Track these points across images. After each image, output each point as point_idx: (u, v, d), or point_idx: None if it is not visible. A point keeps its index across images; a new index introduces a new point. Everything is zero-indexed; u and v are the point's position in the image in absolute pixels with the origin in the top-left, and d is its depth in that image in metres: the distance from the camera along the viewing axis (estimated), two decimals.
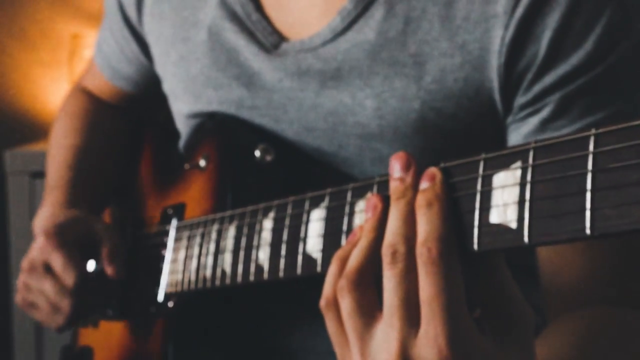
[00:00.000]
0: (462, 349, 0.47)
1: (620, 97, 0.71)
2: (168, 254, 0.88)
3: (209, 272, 0.77)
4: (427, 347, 0.47)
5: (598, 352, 0.65)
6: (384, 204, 0.53)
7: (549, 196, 0.44)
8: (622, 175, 0.40)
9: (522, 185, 0.46)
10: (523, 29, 0.71)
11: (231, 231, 0.74)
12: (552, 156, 0.44)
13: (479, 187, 0.49)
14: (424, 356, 0.47)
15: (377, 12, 0.78)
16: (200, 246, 0.80)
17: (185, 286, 0.82)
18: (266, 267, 0.67)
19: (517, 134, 0.75)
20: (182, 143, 0.99)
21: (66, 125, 1.12)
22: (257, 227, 0.70)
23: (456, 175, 0.50)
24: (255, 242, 0.69)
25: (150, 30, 0.98)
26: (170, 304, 0.87)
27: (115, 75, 1.10)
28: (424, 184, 0.50)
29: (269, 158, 0.84)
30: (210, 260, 0.77)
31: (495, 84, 0.74)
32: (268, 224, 0.68)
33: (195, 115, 0.93)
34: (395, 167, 0.52)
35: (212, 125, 0.90)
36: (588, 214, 0.42)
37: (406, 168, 0.52)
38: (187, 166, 0.92)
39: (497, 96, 0.74)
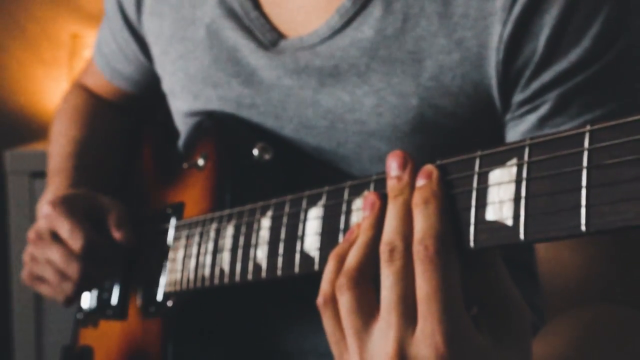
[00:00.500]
0: (459, 347, 0.47)
1: (619, 94, 0.71)
2: (167, 253, 0.88)
3: (207, 271, 0.77)
4: (424, 345, 0.47)
5: (597, 351, 0.65)
6: (382, 201, 0.53)
7: (544, 193, 0.44)
8: (618, 172, 0.40)
9: (518, 182, 0.46)
10: (521, 26, 0.71)
11: (229, 230, 0.74)
12: (547, 153, 0.44)
13: (475, 184, 0.49)
14: (421, 354, 0.47)
15: (375, 10, 0.78)
16: (199, 245, 0.80)
17: (184, 285, 0.82)
18: (264, 265, 0.67)
19: (515, 131, 0.75)
20: (181, 142, 0.99)
21: (67, 119, 1.12)
22: (255, 225, 0.70)
23: (452, 173, 0.50)
24: (253, 241, 0.69)
25: (150, 30, 0.98)
26: (169, 303, 0.87)
27: (114, 74, 1.10)
28: (420, 182, 0.51)
29: (267, 157, 0.84)
30: (208, 259, 0.77)
31: (493, 81, 0.73)
32: (266, 222, 0.68)
33: (194, 114, 0.93)
34: (392, 166, 0.52)
35: (211, 124, 0.90)
36: (583, 210, 0.42)
37: (403, 166, 0.52)
38: (185, 165, 0.92)
39: (495, 93, 0.74)
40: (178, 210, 0.91)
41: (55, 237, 0.90)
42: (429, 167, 0.51)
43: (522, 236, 0.45)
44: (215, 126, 0.89)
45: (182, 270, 0.83)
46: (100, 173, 1.07)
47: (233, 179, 0.85)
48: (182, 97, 0.94)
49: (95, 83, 1.15)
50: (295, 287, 0.86)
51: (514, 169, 0.47)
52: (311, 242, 0.62)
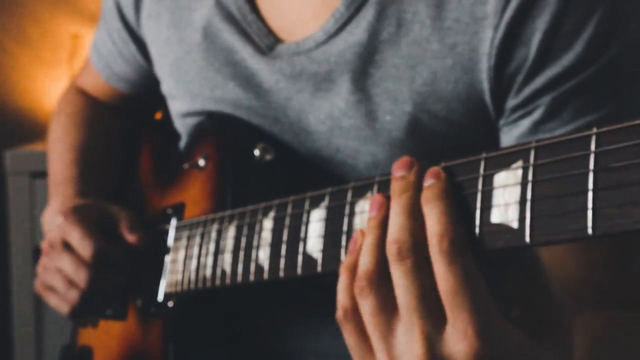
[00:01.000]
0: (492, 341, 0.46)
1: (613, 99, 0.71)
2: (168, 254, 0.88)
3: (208, 272, 0.77)
4: (456, 341, 0.46)
5: (601, 354, 0.65)
6: (388, 202, 0.53)
7: (550, 196, 0.44)
8: (624, 175, 0.40)
9: (524, 184, 0.46)
10: (513, 31, 0.71)
11: (231, 231, 0.74)
12: (553, 155, 0.44)
13: (480, 186, 0.49)
14: (454, 351, 0.46)
15: (368, 13, 0.77)
16: (200, 246, 0.80)
17: (185, 286, 0.82)
18: (266, 266, 0.67)
19: (509, 136, 0.75)
20: (182, 144, 0.99)
21: (64, 123, 1.11)
22: (257, 227, 0.70)
23: (458, 175, 0.50)
24: (255, 242, 0.69)
25: (148, 32, 0.98)
26: (170, 304, 0.87)
27: (112, 75, 1.09)
28: (429, 181, 0.50)
29: (268, 157, 0.84)
30: (210, 260, 0.77)
31: (485, 85, 0.73)
32: (268, 223, 0.68)
33: (192, 115, 0.93)
34: (397, 167, 0.52)
35: (211, 125, 0.90)
36: (590, 213, 0.41)
37: (409, 167, 0.52)
38: (186, 166, 0.91)
39: (488, 99, 0.74)
40: (178, 210, 0.91)
41: (66, 246, 0.90)
42: (435, 168, 0.51)
43: (527, 239, 0.45)
44: (216, 126, 0.89)
45: (183, 271, 0.83)
46: (103, 178, 1.07)
47: (234, 180, 0.85)
48: (180, 99, 0.94)
49: (92, 84, 1.14)
50: (296, 288, 0.86)
51: (520, 172, 0.46)
52: (314, 243, 0.61)
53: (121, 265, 0.92)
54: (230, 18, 0.88)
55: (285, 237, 0.65)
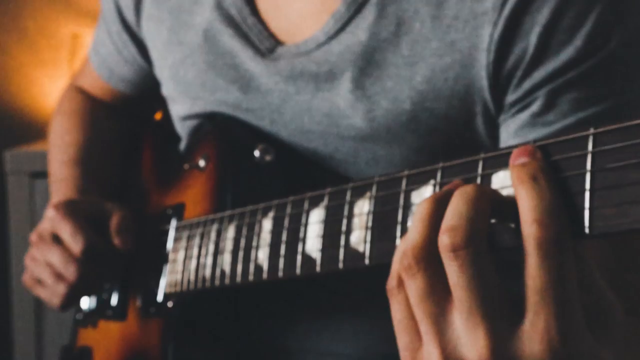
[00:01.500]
0: (574, 346, 0.42)
1: (612, 93, 0.71)
2: (167, 254, 0.88)
3: (208, 272, 0.77)
4: (534, 341, 0.42)
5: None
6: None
7: None
8: (622, 175, 0.40)
9: None
10: (512, 26, 0.71)
11: (230, 231, 0.74)
12: (551, 156, 0.44)
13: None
14: (528, 351, 0.43)
15: (369, 14, 0.77)
16: (200, 246, 0.80)
17: (185, 286, 0.82)
18: (265, 266, 0.67)
19: (508, 130, 0.75)
20: (182, 145, 0.99)
21: (64, 123, 1.11)
22: (257, 227, 0.70)
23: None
24: (254, 243, 0.69)
25: (148, 34, 0.98)
26: (170, 304, 0.87)
27: (112, 76, 1.09)
28: (521, 159, 0.45)
29: (268, 158, 0.84)
30: (209, 260, 0.77)
31: (484, 82, 0.73)
32: (267, 224, 0.68)
33: (192, 117, 0.93)
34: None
35: (212, 126, 0.90)
36: (587, 213, 0.42)
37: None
38: (186, 166, 0.92)
39: (487, 95, 0.74)
40: (179, 211, 0.91)
41: (56, 239, 0.90)
42: (528, 146, 0.45)
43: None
44: (217, 127, 0.89)
45: (183, 271, 0.83)
46: (102, 177, 1.07)
47: (234, 180, 0.85)
48: (180, 102, 0.94)
49: (91, 84, 1.14)
50: (296, 287, 0.86)
51: None
52: (313, 243, 0.62)
53: (111, 261, 0.92)
54: (230, 21, 0.88)
55: (284, 237, 0.65)
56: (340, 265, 0.59)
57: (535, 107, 0.72)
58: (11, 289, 1.87)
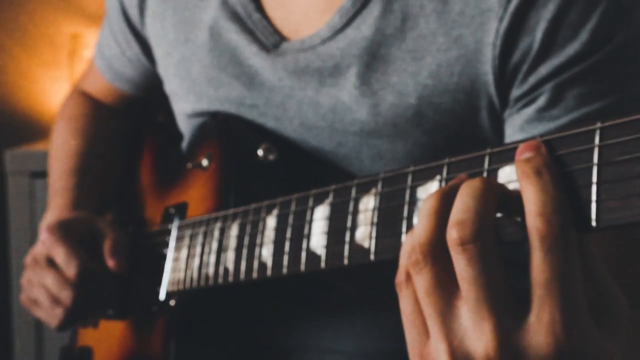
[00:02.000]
0: (579, 340, 0.42)
1: (617, 88, 0.71)
2: (170, 253, 0.88)
3: (211, 270, 0.77)
4: (538, 335, 0.42)
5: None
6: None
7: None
8: (628, 168, 0.40)
9: None
10: (517, 21, 0.71)
11: (234, 229, 0.74)
12: (557, 150, 0.45)
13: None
14: (533, 345, 0.43)
15: (374, 9, 0.78)
16: (203, 244, 0.80)
17: (187, 284, 0.82)
18: (269, 263, 0.67)
19: (513, 125, 0.75)
20: (185, 143, 0.99)
21: (67, 128, 1.12)
22: (261, 224, 0.70)
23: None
24: (258, 240, 0.69)
25: (152, 32, 0.98)
26: (172, 303, 0.87)
27: (116, 77, 1.10)
28: (526, 154, 0.45)
29: (271, 157, 0.84)
30: (212, 258, 0.77)
31: (490, 77, 0.74)
32: (271, 221, 0.68)
33: (197, 115, 0.93)
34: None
35: (215, 125, 0.90)
36: (594, 206, 0.42)
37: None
38: (189, 165, 0.92)
39: (492, 90, 0.74)
40: (181, 210, 0.91)
41: (50, 262, 0.91)
42: (533, 141, 0.45)
43: None
44: (220, 127, 0.89)
45: (185, 270, 0.83)
46: (102, 182, 1.07)
47: (237, 180, 0.85)
48: (184, 99, 0.94)
49: (96, 86, 1.15)
50: (298, 285, 0.86)
51: None
52: (317, 240, 0.62)
53: (107, 282, 0.93)
54: (235, 17, 0.88)
55: (288, 234, 0.65)
56: (345, 261, 0.59)
57: (540, 102, 0.72)
58: (11, 289, 1.87)
